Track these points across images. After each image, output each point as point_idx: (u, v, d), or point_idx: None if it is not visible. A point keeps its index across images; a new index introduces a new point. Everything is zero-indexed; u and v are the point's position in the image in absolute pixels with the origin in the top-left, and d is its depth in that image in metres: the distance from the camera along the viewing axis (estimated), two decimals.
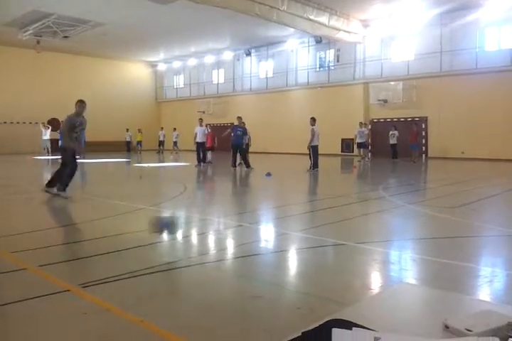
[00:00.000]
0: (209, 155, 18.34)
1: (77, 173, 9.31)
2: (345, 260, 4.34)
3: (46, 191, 8.36)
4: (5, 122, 27.03)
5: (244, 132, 16.08)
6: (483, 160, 19.32)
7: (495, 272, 3.93)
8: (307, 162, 15.07)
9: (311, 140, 14.66)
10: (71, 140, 8.32)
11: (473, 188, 10.23)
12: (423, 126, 22.10)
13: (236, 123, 16.73)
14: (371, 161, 20.32)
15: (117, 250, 4.54)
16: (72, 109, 8.41)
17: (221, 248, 4.90)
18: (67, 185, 8.33)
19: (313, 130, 14.69)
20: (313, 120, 14.82)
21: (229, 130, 16.17)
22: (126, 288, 3.48)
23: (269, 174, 12.96)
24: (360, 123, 21.17)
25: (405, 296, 1.42)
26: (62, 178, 8.32)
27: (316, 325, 1.13)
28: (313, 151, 14.71)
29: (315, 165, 14.63)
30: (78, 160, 8.92)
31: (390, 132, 20.56)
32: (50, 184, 8.37)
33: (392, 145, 20.44)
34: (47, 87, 29.57)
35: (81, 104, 8.27)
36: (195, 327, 2.78)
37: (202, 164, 17.03)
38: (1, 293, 3.26)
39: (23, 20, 23.04)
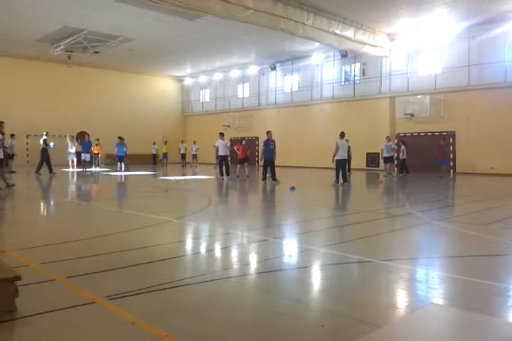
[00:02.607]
0: (245, 168, 18.47)
1: (106, 186, 9.38)
2: (371, 277, 4.27)
3: None
4: (36, 135, 27.73)
5: (275, 146, 16.31)
6: None
7: None
8: (333, 176, 15.15)
9: (334, 154, 15.04)
10: None
11: (503, 205, 9.98)
12: (451, 140, 21.75)
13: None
14: (397, 176, 20.06)
15: (143, 263, 4.58)
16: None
17: (245, 262, 4.88)
18: None
19: (336, 144, 15.09)
20: (340, 134, 15.28)
21: (263, 146, 16.48)
22: (152, 301, 3.50)
23: (293, 188, 12.93)
24: (387, 137, 20.97)
25: (436, 318, 1.39)
26: None
27: None
28: (336, 165, 15.04)
29: (344, 179, 14.95)
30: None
31: (400, 148, 20.57)
32: None
33: (402, 161, 20.40)
34: (76, 100, 30.32)
35: None
36: None
37: (224, 177, 17.15)
38: (30, 304, 3.31)
39: (54, 36, 23.82)
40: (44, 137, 20.46)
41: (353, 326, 3.00)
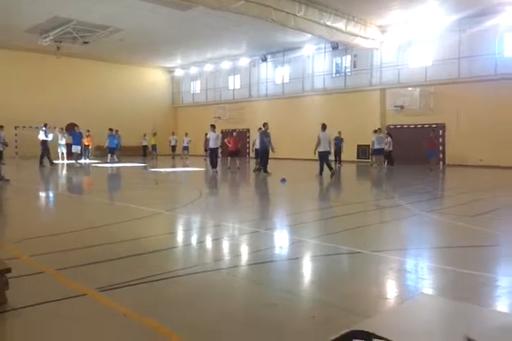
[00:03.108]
0: (236, 160, 18.77)
1: (97, 178, 9.35)
2: (361, 268, 4.31)
3: None
4: (24, 127, 27.45)
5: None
6: (503, 168, 19.03)
7: None
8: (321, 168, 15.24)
9: (316, 146, 15.17)
10: None
11: (491, 197, 10.08)
12: (440, 132, 21.87)
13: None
14: (387, 168, 20.16)
15: (134, 254, 4.57)
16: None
17: (236, 254, 4.89)
18: None
19: (318, 136, 15.25)
20: (321, 126, 15.42)
21: (255, 139, 16.63)
22: (143, 292, 3.50)
23: (283, 180, 12.96)
24: (379, 129, 20.91)
25: (426, 308, 1.41)
26: None
27: (338, 335, 1.13)
28: (320, 157, 15.24)
29: (329, 168, 15.16)
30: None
31: (386, 139, 20.63)
32: None
33: (388, 152, 20.53)
34: (66, 92, 29.96)
35: None
36: (211, 333, 2.79)
37: (217, 169, 17.15)
38: (20, 296, 3.30)
39: (43, 26, 23.47)
40: (43, 128, 20.38)
41: (343, 316, 3.03)
